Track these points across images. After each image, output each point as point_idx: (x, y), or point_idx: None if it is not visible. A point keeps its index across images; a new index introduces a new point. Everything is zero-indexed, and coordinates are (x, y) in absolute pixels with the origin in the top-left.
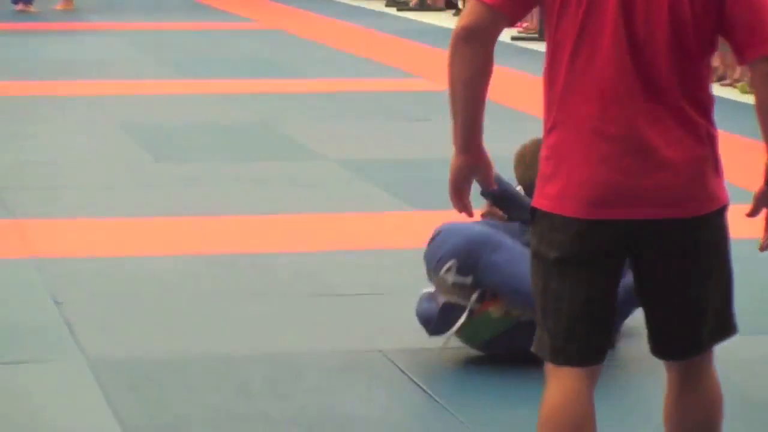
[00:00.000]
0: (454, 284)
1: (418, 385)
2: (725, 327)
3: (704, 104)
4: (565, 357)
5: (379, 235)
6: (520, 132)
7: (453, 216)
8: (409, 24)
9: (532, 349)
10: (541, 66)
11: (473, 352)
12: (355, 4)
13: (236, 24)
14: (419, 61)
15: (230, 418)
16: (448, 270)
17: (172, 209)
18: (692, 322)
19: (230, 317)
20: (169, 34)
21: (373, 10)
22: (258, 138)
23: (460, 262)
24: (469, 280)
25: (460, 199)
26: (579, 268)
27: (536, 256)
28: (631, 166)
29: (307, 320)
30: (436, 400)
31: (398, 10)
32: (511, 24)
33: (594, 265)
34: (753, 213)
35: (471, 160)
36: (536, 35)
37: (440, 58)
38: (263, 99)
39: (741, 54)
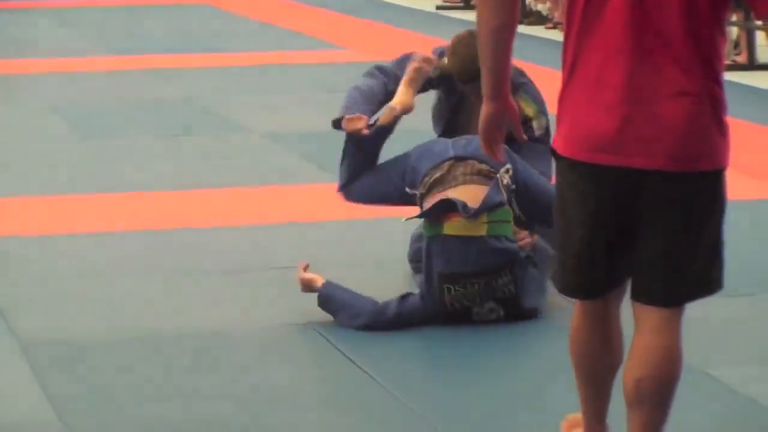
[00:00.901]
0: (507, 186)
1: (349, 358)
2: (708, 284)
3: (712, 65)
4: (573, 291)
5: (306, 207)
6: None
7: None
8: None
9: (550, 277)
10: None
11: (407, 328)
12: None
13: None
14: (346, 33)
15: (161, 395)
16: (507, 172)
17: (99, 186)
18: (676, 272)
19: (158, 294)
20: (94, 11)
21: None
22: (183, 113)
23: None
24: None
25: (493, 146)
26: (585, 208)
27: (558, 194)
28: (631, 115)
29: (237, 295)
30: (367, 373)
31: None
32: None
33: (597, 206)
34: None
35: (500, 107)
36: (461, 4)
37: (367, 29)
38: (188, 74)
39: (755, 7)
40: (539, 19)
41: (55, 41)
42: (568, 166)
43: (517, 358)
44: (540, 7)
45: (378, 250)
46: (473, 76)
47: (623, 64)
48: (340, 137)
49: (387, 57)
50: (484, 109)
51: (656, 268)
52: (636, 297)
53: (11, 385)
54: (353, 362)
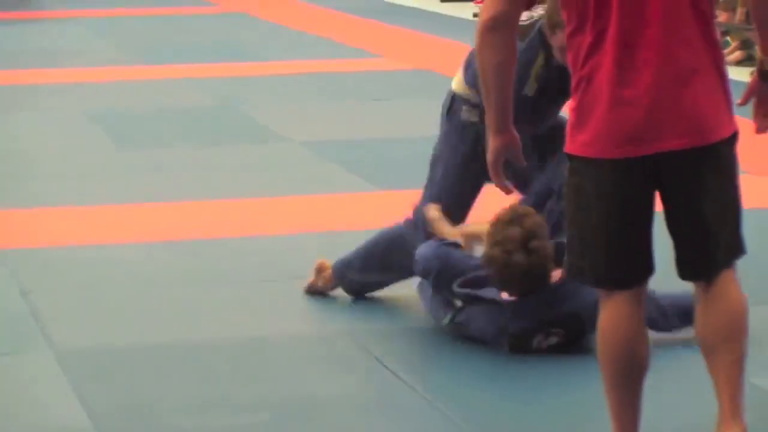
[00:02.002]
0: None
1: (388, 368)
2: (737, 247)
3: (714, 39)
4: (610, 282)
5: (345, 216)
6: None
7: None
8: (371, 3)
9: (568, 275)
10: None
11: (441, 334)
12: None
13: (197, 9)
14: (382, 41)
15: (198, 404)
16: None
17: (137, 196)
18: (710, 243)
19: (197, 303)
20: (129, 20)
21: None
22: (221, 122)
23: None
24: None
25: (499, 177)
26: (617, 201)
27: (576, 191)
28: (653, 103)
29: (275, 305)
30: (405, 382)
31: None
32: (528, 7)
33: (629, 197)
34: (744, 101)
35: (506, 140)
36: None
37: (403, 36)
38: (225, 83)
39: None
40: None
41: (91, 51)
42: (592, 165)
43: (566, 384)
44: None
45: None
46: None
47: (639, 57)
48: (377, 146)
49: (423, 65)
50: (493, 143)
51: (693, 244)
52: (686, 277)
53: (48, 395)
54: (392, 371)
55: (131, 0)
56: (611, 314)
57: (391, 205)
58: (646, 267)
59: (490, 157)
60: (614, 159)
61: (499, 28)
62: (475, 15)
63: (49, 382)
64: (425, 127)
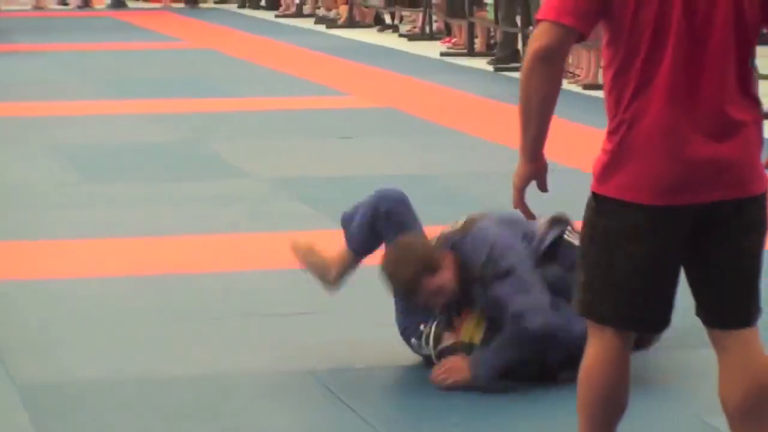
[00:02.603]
0: None
1: (349, 406)
2: (760, 302)
3: (754, 94)
4: (628, 324)
5: None
6: (448, 148)
7: None
8: (339, 41)
9: (576, 309)
10: (469, 81)
11: (402, 371)
12: (285, 22)
13: (165, 44)
14: (349, 79)
15: None
16: None
17: (100, 230)
18: (750, 292)
19: (159, 339)
20: (97, 55)
21: (302, 28)
22: (187, 157)
23: None
24: None
25: (523, 202)
26: (652, 246)
27: (604, 232)
28: (697, 154)
29: (237, 341)
30: (366, 422)
31: (327, 27)
32: (582, 40)
33: (665, 243)
34: None
35: (537, 168)
36: (465, 51)
37: (369, 75)
38: (192, 118)
39: None
40: None
41: (58, 84)
42: (629, 208)
43: (539, 418)
44: None
45: (381, 296)
46: None
47: (685, 106)
48: (343, 183)
49: (389, 104)
50: (522, 170)
51: (733, 292)
52: (715, 324)
53: (9, 430)
54: (354, 411)
55: (99, 34)
56: (601, 355)
57: None
58: (667, 317)
59: (517, 181)
60: (654, 206)
61: (552, 59)
62: (442, 54)
63: (10, 417)
64: (391, 164)
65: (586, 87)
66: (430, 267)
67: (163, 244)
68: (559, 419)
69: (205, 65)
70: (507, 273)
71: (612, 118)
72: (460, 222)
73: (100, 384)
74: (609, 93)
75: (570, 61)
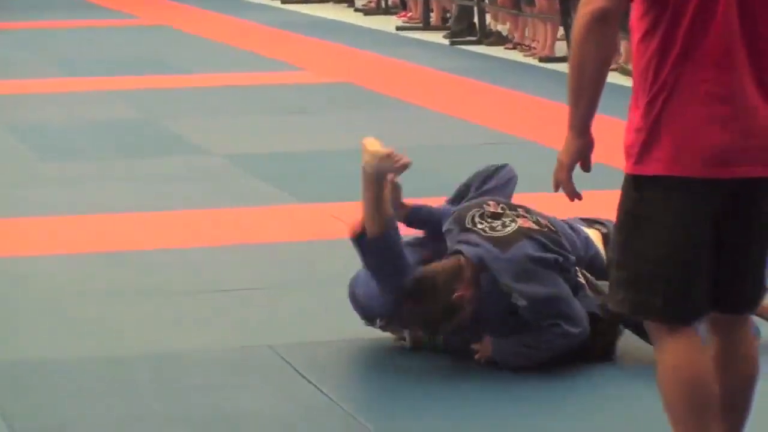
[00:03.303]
0: None
1: (308, 380)
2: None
3: None
4: (688, 315)
5: (266, 229)
6: (405, 121)
7: (336, 209)
8: (294, 16)
9: (619, 308)
10: (425, 55)
11: (361, 344)
12: None
13: (120, 21)
14: (304, 54)
15: (119, 419)
16: None
17: (58, 208)
18: (760, 278)
19: (117, 316)
20: (52, 33)
21: (258, 4)
22: (143, 135)
23: None
24: None
25: (571, 181)
26: (698, 227)
27: (642, 221)
28: (742, 127)
29: (195, 317)
30: (325, 395)
31: (283, 2)
32: (630, 2)
33: (703, 225)
34: None
35: (586, 143)
36: (421, 25)
37: (325, 49)
38: (147, 95)
39: None
40: (499, 39)
41: (12, 63)
42: (668, 186)
43: (497, 394)
44: (500, 27)
45: (336, 270)
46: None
47: (732, 77)
48: (300, 159)
49: (346, 78)
50: (572, 145)
51: (746, 277)
52: (721, 308)
53: None
54: (313, 384)
55: (53, 12)
56: (683, 351)
57: (313, 218)
58: (712, 296)
59: (566, 158)
60: (702, 179)
61: (608, 21)
62: (398, 28)
63: None
64: (347, 140)
65: (543, 60)
66: (451, 311)
67: (120, 221)
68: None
69: (161, 42)
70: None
71: (649, 89)
72: (509, 230)
73: (58, 362)
74: (647, 65)
75: (526, 33)
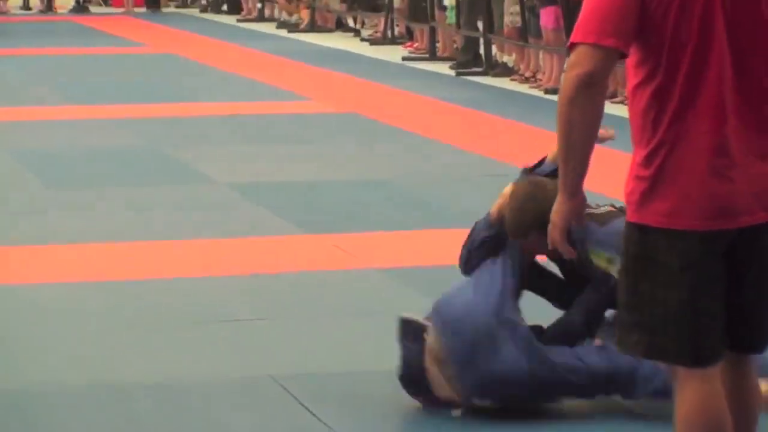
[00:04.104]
0: None
1: (309, 410)
2: None
3: None
4: (698, 358)
5: (270, 258)
6: (411, 152)
7: (341, 239)
8: (300, 46)
9: (634, 351)
10: (431, 85)
11: (363, 377)
12: (246, 27)
13: (127, 48)
14: (310, 84)
15: None
16: None
17: (63, 236)
18: None
19: (120, 344)
20: (59, 60)
21: (265, 33)
22: (149, 163)
23: None
24: None
25: (565, 241)
26: (700, 273)
27: (649, 265)
28: (741, 176)
29: (197, 346)
30: (326, 425)
31: (289, 31)
32: (623, 58)
33: (712, 268)
34: None
35: (578, 204)
36: (427, 56)
37: (331, 79)
38: (154, 123)
39: None
40: (505, 70)
41: (19, 90)
42: (675, 236)
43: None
44: (506, 58)
45: (339, 301)
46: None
47: (729, 127)
48: (305, 188)
49: (352, 108)
50: (564, 206)
51: (757, 318)
52: (736, 348)
53: None
54: (314, 415)
55: (59, 39)
56: (699, 393)
57: (317, 248)
58: (723, 337)
59: (558, 220)
60: (704, 231)
61: (595, 85)
62: (404, 59)
63: None
64: (354, 169)
65: (548, 91)
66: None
67: (123, 250)
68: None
69: (167, 70)
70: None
71: (648, 140)
72: (604, 208)
73: (60, 390)
74: (644, 114)
75: (531, 65)
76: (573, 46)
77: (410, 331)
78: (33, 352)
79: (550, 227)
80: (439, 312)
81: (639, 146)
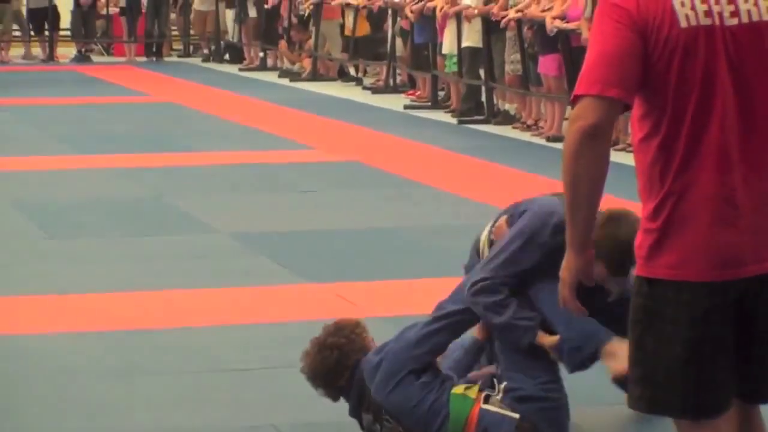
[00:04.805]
0: None
1: None
2: None
3: None
4: (707, 411)
5: (271, 308)
6: (413, 201)
7: (343, 288)
8: (302, 94)
9: (639, 407)
10: (433, 134)
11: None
12: (249, 75)
13: (129, 98)
14: (313, 132)
15: None
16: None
17: (65, 286)
18: None
19: (122, 396)
20: (60, 109)
21: (266, 82)
22: (150, 212)
23: None
24: None
25: (574, 299)
26: (708, 325)
27: (656, 319)
28: (748, 225)
29: (199, 396)
30: None
31: (291, 80)
32: (627, 110)
33: (719, 319)
34: None
35: (587, 259)
36: (429, 104)
37: (333, 128)
38: (156, 173)
39: None
40: (506, 118)
41: (19, 139)
42: (682, 288)
43: None
44: (508, 106)
45: None
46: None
47: (734, 176)
48: (307, 237)
49: (354, 157)
50: (574, 263)
51: (766, 368)
52: (746, 398)
53: None
54: None
55: (60, 88)
56: None
57: (320, 298)
58: (734, 387)
59: (568, 277)
60: (711, 282)
61: (600, 137)
62: (406, 107)
63: None
64: (356, 218)
65: (550, 139)
66: None
67: (125, 299)
68: None
69: (170, 119)
70: None
71: (656, 192)
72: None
73: None
74: (651, 167)
75: (533, 114)
76: (576, 98)
77: None
78: (35, 403)
79: (560, 284)
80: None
81: (647, 199)
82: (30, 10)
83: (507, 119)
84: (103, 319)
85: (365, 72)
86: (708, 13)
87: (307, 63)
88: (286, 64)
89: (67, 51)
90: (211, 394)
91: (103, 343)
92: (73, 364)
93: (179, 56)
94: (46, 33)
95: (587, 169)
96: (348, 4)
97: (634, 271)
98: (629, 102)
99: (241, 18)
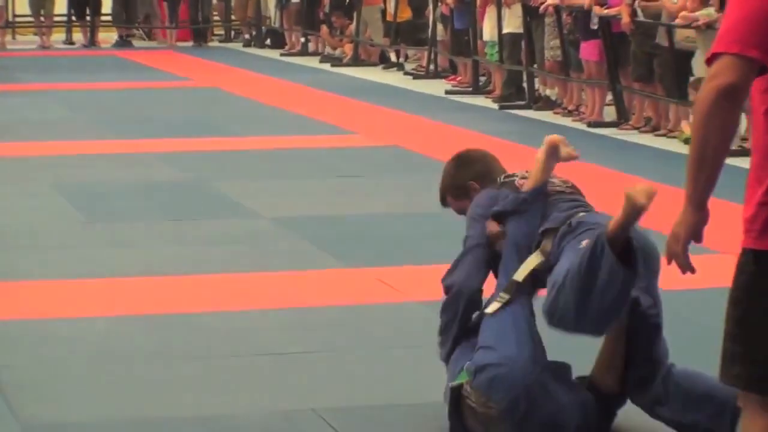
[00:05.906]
0: None
1: None
2: None
3: None
4: None
5: (312, 292)
6: None
7: (384, 273)
8: (344, 80)
9: (731, 382)
10: (474, 119)
11: (405, 410)
12: (290, 61)
13: (171, 83)
14: (355, 118)
15: None
16: None
17: (106, 270)
18: None
19: (163, 379)
20: (102, 94)
21: (308, 67)
22: (192, 197)
23: None
24: None
25: (688, 256)
26: None
27: (764, 295)
28: None
29: (241, 380)
30: None
31: (332, 66)
32: (763, 74)
33: None
34: None
35: (703, 217)
36: (470, 89)
37: (375, 113)
38: (197, 157)
39: None
40: (547, 103)
41: (62, 124)
42: None
43: None
44: (548, 92)
45: (383, 335)
46: None
47: None
48: (348, 222)
49: (395, 142)
50: (690, 218)
51: None
52: None
53: None
54: None
55: (105, 74)
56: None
57: (360, 282)
58: None
59: (683, 232)
60: None
61: (736, 97)
62: (447, 92)
63: None
64: (397, 203)
65: (591, 125)
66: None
67: (167, 283)
68: None
69: (211, 104)
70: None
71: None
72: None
73: (103, 425)
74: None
75: (574, 99)
76: (714, 57)
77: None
78: (76, 386)
79: (670, 239)
80: (479, 372)
81: (765, 174)
82: None
83: (548, 104)
84: (144, 303)
85: (406, 57)
86: None
87: (348, 48)
88: (328, 50)
89: (108, 36)
90: (251, 378)
91: (144, 327)
92: (113, 349)
93: (220, 41)
94: (88, 18)
95: (720, 128)
96: None
97: (741, 244)
98: (766, 63)
99: (282, 3)
